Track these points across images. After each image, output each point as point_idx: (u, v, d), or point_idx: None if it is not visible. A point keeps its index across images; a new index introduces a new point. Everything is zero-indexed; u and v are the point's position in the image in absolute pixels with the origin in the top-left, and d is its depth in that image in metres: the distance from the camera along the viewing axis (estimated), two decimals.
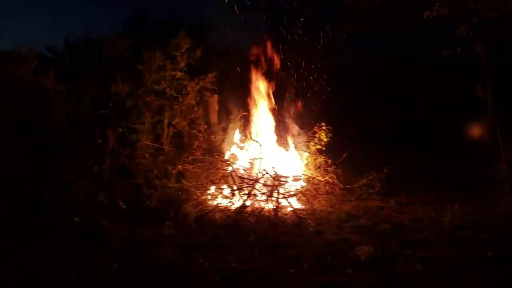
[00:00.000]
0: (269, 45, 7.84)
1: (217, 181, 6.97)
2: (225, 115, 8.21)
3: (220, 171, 7.07)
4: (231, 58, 8.65)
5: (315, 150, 7.67)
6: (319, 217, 6.42)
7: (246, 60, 7.92)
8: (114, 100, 5.98)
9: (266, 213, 6.37)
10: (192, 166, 7.07)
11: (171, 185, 6.45)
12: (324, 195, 6.92)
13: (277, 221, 6.10)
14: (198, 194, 6.70)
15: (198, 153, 7.22)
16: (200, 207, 6.46)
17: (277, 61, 7.86)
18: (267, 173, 6.64)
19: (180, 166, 6.83)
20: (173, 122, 7.12)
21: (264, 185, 6.65)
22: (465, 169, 8.88)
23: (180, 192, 6.47)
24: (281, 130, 7.84)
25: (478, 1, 8.76)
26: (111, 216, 5.43)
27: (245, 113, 7.96)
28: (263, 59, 7.75)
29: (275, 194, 6.49)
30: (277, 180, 6.59)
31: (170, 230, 5.59)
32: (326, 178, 7.14)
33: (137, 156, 6.44)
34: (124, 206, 5.59)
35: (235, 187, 6.61)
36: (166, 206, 6.13)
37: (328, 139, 7.72)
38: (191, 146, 7.21)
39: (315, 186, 7.05)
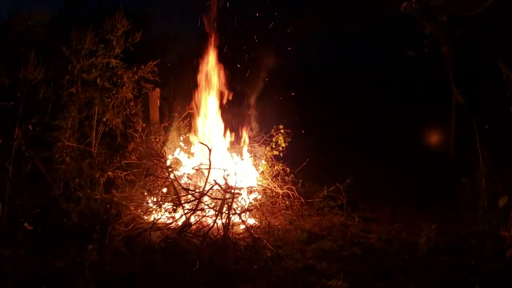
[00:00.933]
0: (217, 36, 6.74)
1: (155, 192, 5.80)
2: (168, 112, 7.03)
3: (160, 180, 5.90)
4: (177, 47, 7.46)
5: (272, 156, 6.69)
6: (277, 237, 5.45)
7: (194, 51, 6.79)
8: (22, 89, 4.66)
9: (215, 233, 5.31)
10: (126, 172, 5.86)
11: (97, 196, 5.21)
12: (282, 210, 5.95)
13: (228, 243, 5.06)
14: (132, 208, 5.51)
15: (134, 157, 6.02)
16: (133, 224, 5.29)
17: (228, 54, 6.80)
18: (216, 183, 5.56)
19: (110, 173, 5.61)
20: (104, 119, 5.87)
21: (213, 198, 5.57)
22: (429, 179, 8.31)
23: (108, 205, 5.26)
24: (234, 132, 6.78)
25: None
26: (11, 241, 4.15)
27: (191, 110, 6.82)
28: (213, 50, 6.64)
29: (225, 209, 5.43)
30: (228, 192, 5.53)
31: (93, 257, 4.40)
32: (285, 190, 6.16)
33: (55, 159, 5.14)
34: (30, 227, 4.31)
35: (177, 201, 5.47)
36: (89, 224, 4.92)
37: (287, 144, 6.76)
38: (125, 149, 6.00)
39: (272, 199, 6.06)
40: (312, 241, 5.37)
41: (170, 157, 6.42)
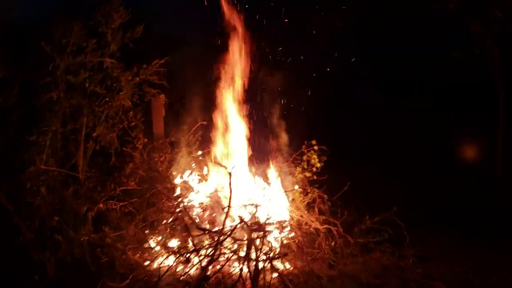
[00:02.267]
0: (240, 29, 5.41)
1: (160, 229, 4.46)
2: (175, 124, 5.71)
3: (166, 214, 4.56)
4: (188, 45, 6.15)
5: (304, 179, 5.38)
6: None
7: (209, 49, 5.50)
8: None
9: (240, 285, 3.98)
10: (122, 203, 4.52)
11: (83, 238, 3.89)
12: (327, 254, 4.59)
13: None
14: (130, 252, 4.16)
15: (132, 183, 4.69)
16: (132, 275, 3.94)
17: (251, 52, 5.47)
18: (241, 221, 4.24)
19: (101, 205, 4.27)
20: (94, 134, 4.55)
21: (236, 239, 4.24)
22: (476, 200, 7.06)
23: (98, 250, 3.93)
24: (259, 150, 5.47)
25: None
26: None
27: (204, 122, 5.51)
28: (233, 47, 5.32)
29: (253, 253, 4.11)
30: (256, 231, 4.22)
31: None
32: (326, 225, 4.82)
33: (27, 190, 3.81)
34: None
35: (190, 245, 4.13)
36: (71, 279, 3.59)
37: (322, 164, 5.47)
38: (121, 171, 4.68)
39: (309, 237, 4.72)
40: None
41: (178, 180, 5.08)
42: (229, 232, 4.12)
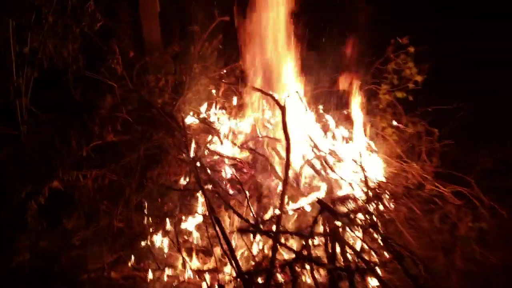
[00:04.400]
0: None
1: (173, 214, 2.52)
2: (178, 25, 3.55)
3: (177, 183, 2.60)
4: None
5: (396, 103, 3.32)
6: None
7: None
8: None
9: None
10: (97, 171, 2.54)
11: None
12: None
13: None
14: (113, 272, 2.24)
15: (111, 134, 2.67)
16: None
17: None
18: (317, 200, 2.26)
19: (56, 182, 2.33)
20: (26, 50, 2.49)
21: (306, 236, 2.26)
22: None
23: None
24: (320, 62, 3.34)
25: None
26: None
27: (227, 18, 3.29)
28: None
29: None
30: (339, 216, 2.28)
31: None
32: (451, 185, 2.80)
33: None
34: None
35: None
36: None
37: (425, 76, 3.35)
38: (92, 111, 2.67)
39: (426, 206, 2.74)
40: None
41: (190, 119, 3.04)
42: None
